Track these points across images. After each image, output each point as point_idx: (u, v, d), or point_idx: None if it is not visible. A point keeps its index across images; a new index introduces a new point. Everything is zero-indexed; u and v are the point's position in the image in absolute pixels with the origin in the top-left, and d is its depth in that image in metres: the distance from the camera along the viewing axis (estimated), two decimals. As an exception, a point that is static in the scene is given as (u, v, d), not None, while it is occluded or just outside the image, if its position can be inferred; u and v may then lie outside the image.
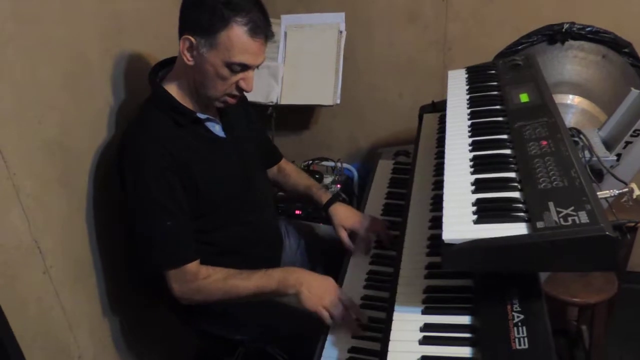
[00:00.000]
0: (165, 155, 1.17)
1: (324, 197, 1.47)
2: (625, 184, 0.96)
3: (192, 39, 1.14)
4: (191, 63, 1.17)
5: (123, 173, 1.20)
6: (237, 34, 1.13)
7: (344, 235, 1.39)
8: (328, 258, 1.46)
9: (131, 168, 1.18)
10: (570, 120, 1.71)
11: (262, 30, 1.16)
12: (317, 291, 1.14)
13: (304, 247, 1.57)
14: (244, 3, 1.14)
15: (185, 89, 1.24)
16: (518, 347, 0.76)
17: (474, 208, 0.88)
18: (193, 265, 1.20)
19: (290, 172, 1.58)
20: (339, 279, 1.29)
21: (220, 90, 1.21)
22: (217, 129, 1.31)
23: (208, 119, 1.28)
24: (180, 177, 1.19)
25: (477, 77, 1.37)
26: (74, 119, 1.28)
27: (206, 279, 1.19)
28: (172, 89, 1.24)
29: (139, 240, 1.22)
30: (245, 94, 1.28)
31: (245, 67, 1.18)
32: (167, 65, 1.31)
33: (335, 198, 1.47)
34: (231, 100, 1.25)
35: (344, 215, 1.42)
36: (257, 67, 1.21)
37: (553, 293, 1.57)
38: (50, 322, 1.24)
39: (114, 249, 1.43)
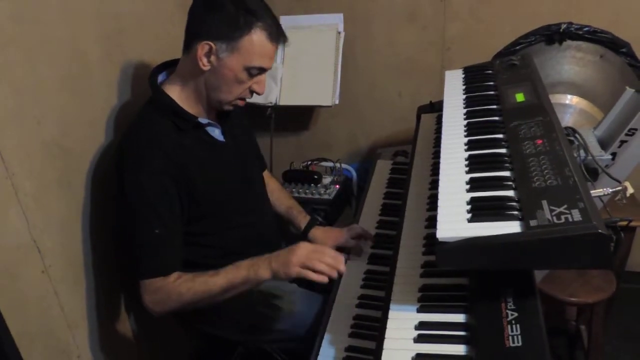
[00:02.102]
0: (164, 159, 1.18)
1: (303, 222, 1.50)
2: (620, 182, 0.97)
3: (212, 44, 1.16)
4: (207, 68, 1.19)
5: (121, 175, 1.20)
6: (260, 38, 1.17)
7: None
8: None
9: (129, 171, 1.18)
10: (568, 120, 1.71)
11: (278, 35, 1.21)
12: (285, 255, 1.11)
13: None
14: (262, 10, 1.18)
15: (190, 93, 1.25)
16: (512, 344, 0.77)
17: (468, 207, 0.88)
18: (169, 277, 1.18)
19: (272, 189, 1.57)
20: (336, 278, 1.29)
21: (235, 94, 1.23)
22: (216, 133, 1.32)
23: (209, 124, 1.29)
24: (177, 183, 1.19)
25: (473, 77, 1.37)
26: (73, 120, 1.29)
27: (175, 281, 1.17)
28: (174, 92, 1.25)
29: (129, 243, 1.22)
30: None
31: (262, 71, 1.22)
32: (168, 67, 1.31)
33: (312, 223, 1.49)
34: (241, 103, 1.28)
35: (324, 236, 1.45)
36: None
37: (551, 293, 1.57)
38: (50, 322, 1.25)
39: (112, 250, 1.44)
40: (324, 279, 1.09)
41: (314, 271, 1.09)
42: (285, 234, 1.59)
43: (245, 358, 1.54)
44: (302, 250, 1.12)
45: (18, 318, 1.12)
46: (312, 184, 2.00)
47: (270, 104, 2.02)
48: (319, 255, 1.10)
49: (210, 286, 1.15)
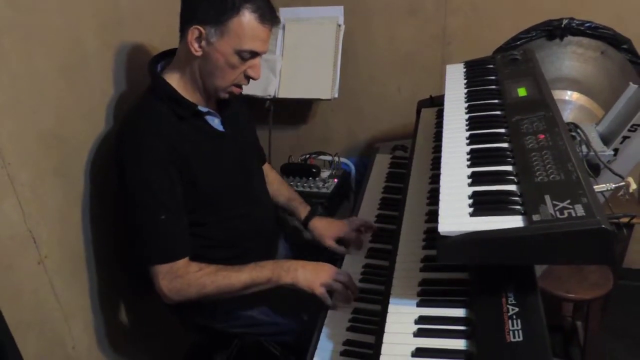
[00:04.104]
0: (165, 147, 1.17)
1: (303, 212, 1.49)
2: (622, 178, 0.96)
3: (201, 29, 1.14)
4: (199, 53, 1.17)
5: (121, 163, 1.18)
6: (248, 20, 1.14)
7: (332, 244, 1.40)
8: (322, 251, 1.46)
9: (130, 159, 1.17)
10: (568, 116, 1.71)
11: (270, 16, 1.18)
12: (313, 271, 1.16)
13: (298, 240, 1.57)
14: None
15: (187, 81, 1.24)
16: (512, 339, 0.76)
17: (470, 201, 0.87)
18: (184, 261, 1.19)
19: (272, 180, 1.57)
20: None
21: (229, 80, 1.21)
22: (216, 122, 1.31)
23: (208, 113, 1.28)
24: (179, 170, 1.19)
25: (475, 71, 1.36)
26: (70, 110, 1.27)
27: (198, 272, 1.18)
28: (173, 80, 1.23)
29: (133, 232, 1.21)
30: (244, 86, 1.27)
31: (254, 55, 1.19)
32: (167, 56, 1.30)
33: (313, 213, 1.48)
34: (237, 90, 1.26)
35: (324, 227, 1.44)
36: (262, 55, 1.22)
37: (548, 289, 1.57)
38: (46, 313, 1.24)
39: (109, 241, 1.43)
40: (329, 304, 1.15)
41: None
42: (284, 227, 1.58)
43: (242, 351, 1.53)
44: (332, 272, 1.16)
45: (13, 309, 1.11)
46: (311, 178, 1.99)
47: (269, 97, 2.01)
48: (341, 285, 1.15)
49: (233, 281, 1.18)
